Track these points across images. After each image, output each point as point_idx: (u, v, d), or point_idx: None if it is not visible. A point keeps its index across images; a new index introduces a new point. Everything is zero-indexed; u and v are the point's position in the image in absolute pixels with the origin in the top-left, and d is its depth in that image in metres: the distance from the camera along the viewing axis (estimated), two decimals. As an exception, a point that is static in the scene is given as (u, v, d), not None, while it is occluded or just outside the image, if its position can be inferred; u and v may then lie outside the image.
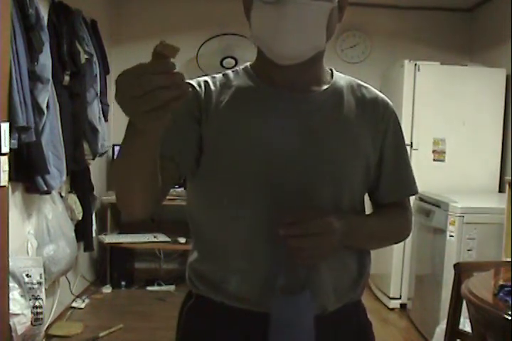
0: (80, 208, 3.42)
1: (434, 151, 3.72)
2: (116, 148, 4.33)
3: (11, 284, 2.25)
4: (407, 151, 1.19)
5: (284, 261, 1.00)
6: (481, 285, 2.01)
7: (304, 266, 1.00)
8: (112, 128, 4.41)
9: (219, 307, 1.06)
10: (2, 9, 1.95)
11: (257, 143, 1.03)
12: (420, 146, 3.68)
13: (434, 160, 3.71)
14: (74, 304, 3.65)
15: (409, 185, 1.18)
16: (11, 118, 2.20)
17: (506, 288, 1.84)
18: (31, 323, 2.37)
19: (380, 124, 1.11)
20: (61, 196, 3.22)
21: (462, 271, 2.35)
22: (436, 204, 3.22)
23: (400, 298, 3.81)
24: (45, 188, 2.67)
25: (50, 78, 2.65)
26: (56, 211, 3.05)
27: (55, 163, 2.78)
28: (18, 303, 2.29)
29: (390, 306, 3.82)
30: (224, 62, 4.31)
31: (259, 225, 1.02)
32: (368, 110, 1.10)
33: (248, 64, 1.14)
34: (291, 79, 1.06)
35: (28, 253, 2.78)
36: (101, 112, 3.68)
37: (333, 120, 1.07)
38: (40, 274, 2.57)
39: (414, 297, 3.57)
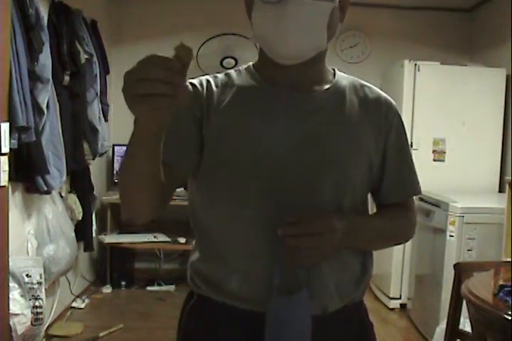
0: (80, 208, 3.42)
1: (434, 151, 3.72)
2: (117, 148, 4.33)
3: (11, 284, 2.25)
4: (410, 151, 1.18)
5: (283, 262, 1.00)
6: (481, 285, 2.01)
7: (303, 266, 1.00)
8: (112, 128, 4.41)
9: (220, 308, 1.06)
10: (2, 9, 1.95)
11: (257, 142, 1.03)
12: (420, 146, 3.68)
13: (434, 160, 3.71)
14: (74, 304, 3.65)
15: (412, 185, 1.17)
16: (11, 119, 2.20)
17: (506, 288, 1.84)
18: (31, 323, 2.37)
19: (383, 124, 1.10)
20: (61, 196, 3.22)
21: (462, 271, 2.35)
22: (436, 204, 3.22)
23: (400, 298, 3.81)
24: (45, 188, 2.67)
25: (50, 78, 2.65)
26: (56, 211, 3.05)
27: (55, 163, 2.78)
28: (18, 303, 2.29)
29: (390, 306, 3.82)
30: (224, 62, 4.31)
31: (260, 225, 1.02)
32: (371, 110, 1.10)
33: (251, 63, 1.14)
34: (292, 78, 1.06)
35: (28, 253, 2.78)
36: (101, 112, 3.68)
37: (334, 120, 1.07)
38: (40, 274, 2.57)
39: (414, 297, 3.57)
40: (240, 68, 1.14)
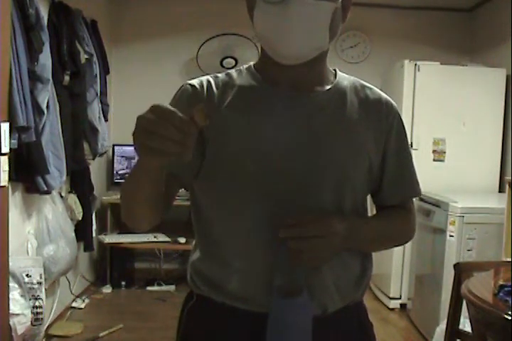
0: (80, 208, 3.42)
1: (434, 151, 3.72)
2: (117, 148, 4.34)
3: (11, 284, 2.25)
4: (410, 153, 1.17)
5: (284, 263, 0.99)
6: (481, 285, 2.01)
7: (304, 268, 1.00)
8: (112, 128, 4.41)
9: (220, 308, 1.06)
10: (2, 9, 1.95)
11: (258, 143, 1.03)
12: (420, 146, 3.68)
13: (434, 160, 3.71)
14: (74, 304, 3.65)
15: (412, 187, 1.17)
16: (11, 118, 2.20)
17: (506, 288, 1.84)
18: (31, 323, 2.37)
19: (384, 125, 1.10)
20: (61, 196, 3.22)
21: (462, 271, 2.35)
22: (436, 204, 3.22)
23: (400, 298, 3.81)
24: (45, 188, 2.67)
25: (50, 78, 2.65)
26: (56, 211, 3.05)
27: (55, 163, 2.78)
28: (18, 303, 2.29)
29: (390, 306, 3.82)
30: (224, 62, 4.31)
31: (260, 225, 1.02)
32: (372, 111, 1.10)
33: (252, 63, 1.14)
34: (294, 78, 1.06)
35: (28, 253, 2.78)
36: (101, 112, 3.68)
37: (335, 120, 1.07)
38: (40, 274, 2.57)
39: (414, 297, 3.57)
40: (241, 68, 1.13)
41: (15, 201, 2.67)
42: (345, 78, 1.14)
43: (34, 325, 2.42)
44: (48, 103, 2.66)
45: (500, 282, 2.01)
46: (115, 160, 4.36)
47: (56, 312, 3.33)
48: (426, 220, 3.30)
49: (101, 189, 4.28)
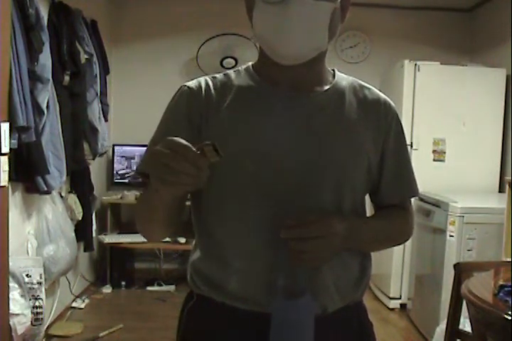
0: (80, 208, 3.42)
1: (434, 151, 3.72)
2: (117, 148, 4.34)
3: (11, 284, 2.25)
4: (408, 153, 1.18)
5: (284, 263, 1.00)
6: (481, 285, 2.01)
7: (305, 268, 1.00)
8: (112, 128, 4.41)
9: (220, 308, 1.06)
10: (2, 9, 1.95)
11: (257, 143, 1.03)
12: (420, 146, 3.68)
13: (434, 160, 3.71)
14: (74, 304, 3.65)
15: (410, 187, 1.17)
16: (11, 118, 2.20)
17: (506, 288, 1.84)
18: (31, 323, 2.37)
19: (382, 125, 1.10)
20: (61, 196, 3.22)
21: (462, 271, 2.35)
22: (436, 204, 3.22)
23: (400, 298, 3.81)
24: (45, 188, 2.67)
25: (50, 78, 2.65)
26: (56, 211, 3.05)
27: (55, 163, 2.78)
28: (18, 303, 2.29)
29: (390, 306, 3.82)
30: (224, 62, 4.31)
31: (260, 225, 1.02)
32: (370, 111, 1.10)
33: (250, 64, 1.14)
34: (292, 79, 1.06)
35: (28, 253, 2.78)
36: (101, 112, 3.68)
37: (334, 120, 1.07)
38: (40, 274, 2.57)
39: (414, 297, 3.57)
40: (240, 68, 1.13)
41: (15, 201, 2.67)
42: (343, 78, 1.14)
43: (34, 325, 2.42)
44: (48, 103, 2.66)
45: (500, 282, 2.01)
46: (115, 160, 4.36)
47: (56, 312, 3.33)
48: (426, 220, 3.30)
49: (101, 189, 4.28)
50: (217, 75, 1.12)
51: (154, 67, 4.49)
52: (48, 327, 3.09)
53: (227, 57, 4.32)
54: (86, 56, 3.29)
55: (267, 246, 1.02)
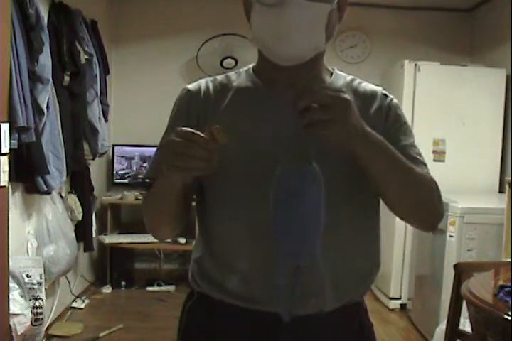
0: (80, 208, 3.42)
1: (434, 151, 3.72)
2: (117, 148, 4.33)
3: (11, 284, 2.25)
4: (412, 137, 1.14)
5: (283, 261, 0.99)
6: (481, 286, 2.01)
7: (315, 139, 0.93)
8: (112, 128, 4.41)
9: (220, 306, 1.07)
10: (2, 9, 1.95)
11: (255, 143, 1.04)
12: (420, 146, 3.63)
13: (434, 160, 3.70)
14: (74, 304, 3.65)
15: (419, 165, 1.11)
16: (11, 119, 2.20)
17: (506, 288, 1.84)
18: (31, 323, 2.37)
19: (380, 116, 1.10)
20: (61, 196, 3.22)
21: (462, 271, 2.35)
22: (437, 204, 3.22)
23: (400, 298, 3.81)
24: (45, 188, 2.67)
25: (50, 78, 2.65)
26: (56, 211, 3.05)
27: (55, 163, 2.78)
28: (18, 303, 2.28)
29: (390, 306, 3.82)
30: (224, 63, 4.31)
31: (258, 226, 1.02)
32: (367, 105, 1.10)
33: (251, 65, 1.15)
34: (291, 79, 1.06)
35: (28, 253, 2.78)
36: (101, 112, 3.68)
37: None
38: (40, 274, 2.57)
39: (414, 297, 3.57)
40: (241, 70, 1.15)
41: (15, 201, 2.67)
42: (342, 77, 1.14)
43: (34, 325, 2.42)
44: (48, 103, 2.66)
45: (500, 282, 2.01)
46: (115, 160, 4.36)
47: (56, 313, 3.33)
48: (426, 220, 3.30)
49: (101, 189, 4.28)
50: (218, 77, 1.14)
51: (154, 67, 4.49)
52: (47, 327, 3.09)
53: (227, 58, 4.32)
54: (86, 56, 3.29)
55: (264, 244, 1.02)
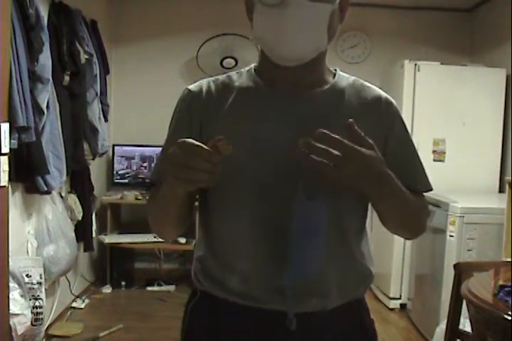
0: (80, 208, 3.43)
1: (434, 151, 3.72)
2: (117, 148, 4.33)
3: (11, 284, 2.25)
4: (414, 148, 1.15)
5: (285, 260, 1.01)
6: (481, 285, 2.01)
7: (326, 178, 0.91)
8: (112, 128, 4.41)
9: (223, 304, 1.08)
10: (2, 9, 1.95)
11: (256, 144, 1.04)
12: (420, 146, 3.68)
13: (434, 160, 3.71)
14: (74, 304, 3.65)
15: (419, 181, 1.13)
16: (11, 119, 2.20)
17: (506, 288, 1.84)
18: (31, 323, 2.37)
19: (383, 122, 1.10)
20: (61, 196, 3.22)
21: (462, 271, 2.35)
22: (436, 204, 3.22)
23: (400, 298, 3.81)
24: (45, 188, 2.67)
25: (50, 78, 2.65)
26: (56, 211, 3.05)
27: (55, 163, 2.78)
28: (18, 303, 2.28)
29: (390, 306, 3.82)
30: (224, 62, 4.31)
31: (259, 225, 1.03)
32: (371, 109, 1.10)
33: (252, 65, 1.15)
34: (293, 79, 1.07)
35: (28, 253, 2.78)
36: (101, 112, 3.68)
37: (332, 119, 1.06)
38: (40, 274, 2.57)
39: (414, 297, 3.57)
40: (242, 70, 1.15)
41: (15, 201, 2.67)
42: (344, 78, 1.14)
43: (34, 325, 2.42)
44: (48, 103, 2.66)
45: (500, 282, 2.01)
46: (115, 160, 4.36)
47: (56, 313, 3.33)
48: (426, 220, 3.30)
49: (101, 189, 4.28)
50: (219, 77, 1.14)
51: (154, 67, 4.49)
52: (47, 327, 3.09)
53: (227, 57, 4.32)
54: (86, 56, 3.29)
55: (266, 244, 1.03)
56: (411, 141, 1.16)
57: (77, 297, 3.74)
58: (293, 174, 1.03)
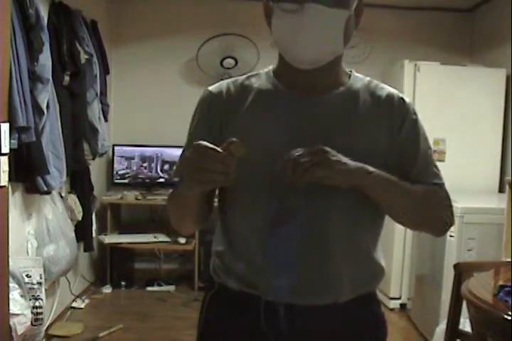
0: (80, 208, 3.42)
1: (434, 151, 3.69)
2: (117, 148, 4.33)
3: (11, 284, 2.25)
4: (427, 142, 1.16)
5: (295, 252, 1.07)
6: (481, 286, 2.01)
7: (304, 181, 0.99)
8: (112, 128, 4.41)
9: (238, 295, 1.12)
10: (2, 9, 1.95)
11: (272, 145, 1.07)
12: (420, 146, 3.68)
13: (434, 160, 3.71)
14: (74, 304, 3.65)
15: (430, 174, 1.14)
16: (11, 119, 2.20)
17: (506, 288, 1.84)
18: (31, 323, 2.37)
19: (396, 120, 1.12)
20: (61, 196, 3.21)
21: (462, 271, 2.35)
22: (437, 204, 3.22)
23: (400, 298, 3.81)
24: (45, 188, 2.67)
25: (50, 78, 2.65)
26: (56, 211, 3.05)
27: (55, 163, 2.78)
28: (18, 303, 2.28)
29: (390, 306, 3.82)
30: (224, 62, 4.31)
31: (271, 221, 1.07)
32: (384, 109, 1.12)
33: (270, 67, 1.19)
34: (310, 82, 1.11)
35: (28, 253, 2.78)
36: (101, 112, 3.68)
37: (346, 121, 1.09)
38: (40, 274, 2.57)
39: (414, 297, 3.57)
40: (260, 72, 1.19)
41: (15, 201, 2.66)
42: (359, 79, 1.17)
43: (34, 325, 2.42)
44: (48, 103, 2.66)
45: (500, 282, 2.01)
46: (115, 160, 4.36)
47: (56, 313, 3.33)
48: (426, 220, 3.30)
49: (101, 189, 4.28)
50: (239, 78, 1.18)
51: (154, 67, 4.49)
52: (47, 327, 3.09)
53: (227, 57, 4.31)
54: (86, 56, 3.29)
55: (278, 241, 1.07)
56: (425, 138, 1.16)
57: (77, 297, 3.74)
58: None
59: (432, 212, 1.14)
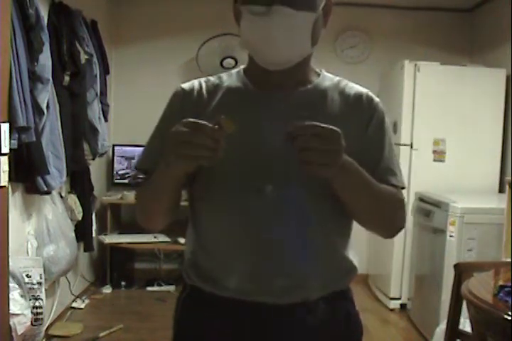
0: (80, 208, 3.42)
1: (434, 151, 3.72)
2: (117, 148, 4.33)
3: (11, 284, 2.25)
4: (391, 143, 1.16)
5: (268, 252, 1.07)
6: (481, 286, 2.01)
7: (314, 173, 0.95)
8: (112, 128, 4.41)
9: (210, 298, 1.12)
10: (2, 9, 1.95)
11: (244, 143, 1.07)
12: (420, 146, 3.68)
13: (434, 160, 3.71)
14: (74, 304, 3.65)
15: (392, 175, 1.13)
16: (11, 119, 2.20)
17: (506, 288, 1.84)
18: (31, 323, 2.37)
19: (364, 118, 1.13)
20: (61, 196, 3.22)
21: (462, 271, 2.35)
22: (436, 204, 3.22)
23: (400, 298, 3.81)
24: (45, 188, 2.67)
25: (50, 78, 2.65)
26: (56, 211, 3.05)
27: (55, 163, 2.78)
28: (18, 303, 2.28)
29: (390, 306, 3.82)
30: (224, 63, 4.31)
31: (243, 219, 1.08)
32: (353, 107, 1.13)
33: (242, 67, 1.21)
34: (278, 81, 1.12)
35: (28, 253, 2.78)
36: (101, 112, 3.68)
37: (313, 117, 1.07)
38: (40, 274, 2.57)
39: (414, 297, 3.57)
40: (232, 71, 1.21)
41: (15, 201, 2.66)
42: (329, 78, 1.18)
43: (34, 325, 2.42)
44: (48, 103, 2.66)
45: (500, 282, 2.01)
46: (115, 160, 4.36)
47: (56, 313, 3.33)
48: (426, 220, 3.30)
49: (101, 189, 4.28)
50: (210, 77, 1.20)
51: (154, 67, 4.49)
52: (47, 327, 3.09)
53: (227, 57, 4.32)
54: (86, 56, 3.29)
55: (250, 237, 1.08)
56: (390, 138, 1.16)
57: (77, 297, 3.74)
58: (270, 169, 1.07)
59: (388, 213, 1.13)
